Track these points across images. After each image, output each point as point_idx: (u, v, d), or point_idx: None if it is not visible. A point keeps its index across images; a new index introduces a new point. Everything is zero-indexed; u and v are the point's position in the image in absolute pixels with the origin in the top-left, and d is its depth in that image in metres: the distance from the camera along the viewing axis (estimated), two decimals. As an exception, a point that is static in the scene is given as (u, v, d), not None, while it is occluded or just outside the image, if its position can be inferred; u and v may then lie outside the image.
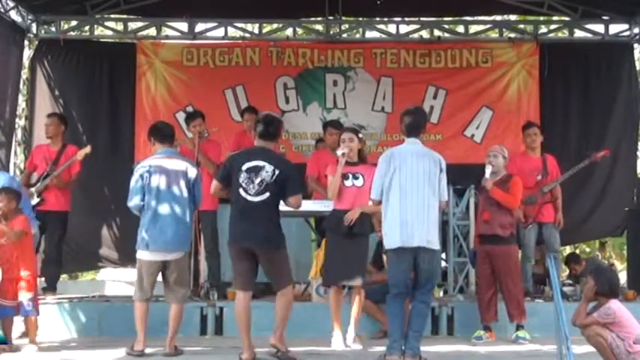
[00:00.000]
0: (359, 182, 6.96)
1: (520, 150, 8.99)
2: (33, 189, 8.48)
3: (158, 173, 6.54)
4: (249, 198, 6.18)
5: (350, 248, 6.90)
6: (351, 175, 6.99)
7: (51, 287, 8.65)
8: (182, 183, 6.55)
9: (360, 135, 7.24)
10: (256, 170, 6.20)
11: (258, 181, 6.19)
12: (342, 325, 6.94)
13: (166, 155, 6.65)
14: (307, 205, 7.95)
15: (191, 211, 6.66)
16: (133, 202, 6.57)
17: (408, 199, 6.10)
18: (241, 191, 6.20)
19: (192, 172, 6.66)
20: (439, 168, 6.23)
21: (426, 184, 6.14)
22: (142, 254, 6.56)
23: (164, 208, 6.49)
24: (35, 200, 8.46)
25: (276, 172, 6.22)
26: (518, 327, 7.48)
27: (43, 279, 9.02)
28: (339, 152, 7.06)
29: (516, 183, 7.68)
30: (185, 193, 6.55)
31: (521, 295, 7.62)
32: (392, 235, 6.13)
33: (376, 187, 6.27)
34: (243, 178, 6.20)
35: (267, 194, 6.19)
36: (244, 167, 6.22)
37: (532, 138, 8.69)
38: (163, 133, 6.77)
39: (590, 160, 8.68)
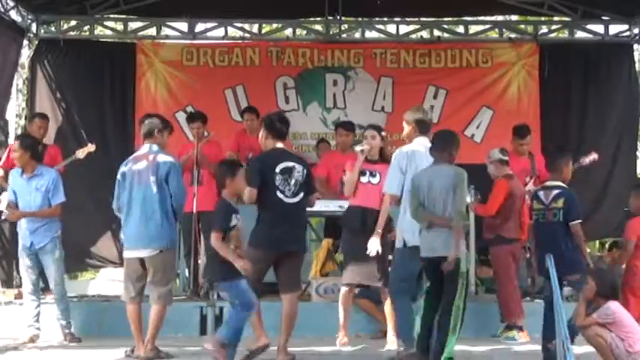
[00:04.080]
0: (375, 180, 6.83)
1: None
2: None
3: (131, 172, 6.51)
4: (287, 200, 6.14)
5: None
6: (368, 172, 6.86)
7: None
8: (152, 179, 6.42)
9: (384, 133, 7.11)
10: (290, 171, 6.16)
11: (293, 182, 6.16)
12: (347, 327, 6.93)
13: (144, 152, 6.60)
14: (307, 205, 7.96)
15: (164, 208, 6.45)
16: (114, 203, 6.64)
17: None
18: (278, 193, 6.11)
19: (164, 168, 6.45)
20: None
21: None
22: (123, 253, 6.66)
23: (135, 207, 6.46)
24: None
25: (305, 171, 6.23)
26: (509, 327, 7.50)
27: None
28: (357, 148, 6.96)
29: (495, 186, 7.69)
30: (154, 190, 6.40)
31: (509, 296, 7.60)
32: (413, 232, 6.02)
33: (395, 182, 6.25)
34: (278, 180, 6.12)
35: (302, 194, 6.21)
36: (278, 169, 6.14)
37: (528, 147, 8.66)
38: (145, 130, 6.66)
39: (579, 165, 8.54)
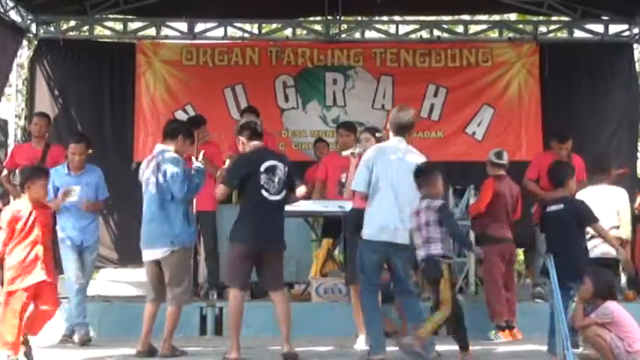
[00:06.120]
0: None
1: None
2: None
3: (142, 173, 6.60)
4: (271, 197, 6.31)
5: None
6: None
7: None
8: (152, 179, 6.46)
9: (379, 134, 7.10)
10: (273, 170, 6.33)
11: (277, 180, 6.33)
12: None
13: (153, 153, 6.62)
14: (308, 205, 7.96)
15: (163, 207, 6.44)
16: None
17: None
18: (263, 192, 6.28)
19: (162, 166, 6.45)
20: None
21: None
22: None
23: (144, 208, 6.55)
24: None
25: (286, 168, 6.41)
26: (499, 326, 7.54)
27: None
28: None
29: (482, 186, 7.77)
30: (154, 190, 6.44)
31: (492, 296, 7.62)
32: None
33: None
34: (264, 179, 6.28)
35: (284, 192, 6.38)
36: (262, 168, 6.31)
37: (566, 152, 8.63)
38: (168, 129, 6.74)
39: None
